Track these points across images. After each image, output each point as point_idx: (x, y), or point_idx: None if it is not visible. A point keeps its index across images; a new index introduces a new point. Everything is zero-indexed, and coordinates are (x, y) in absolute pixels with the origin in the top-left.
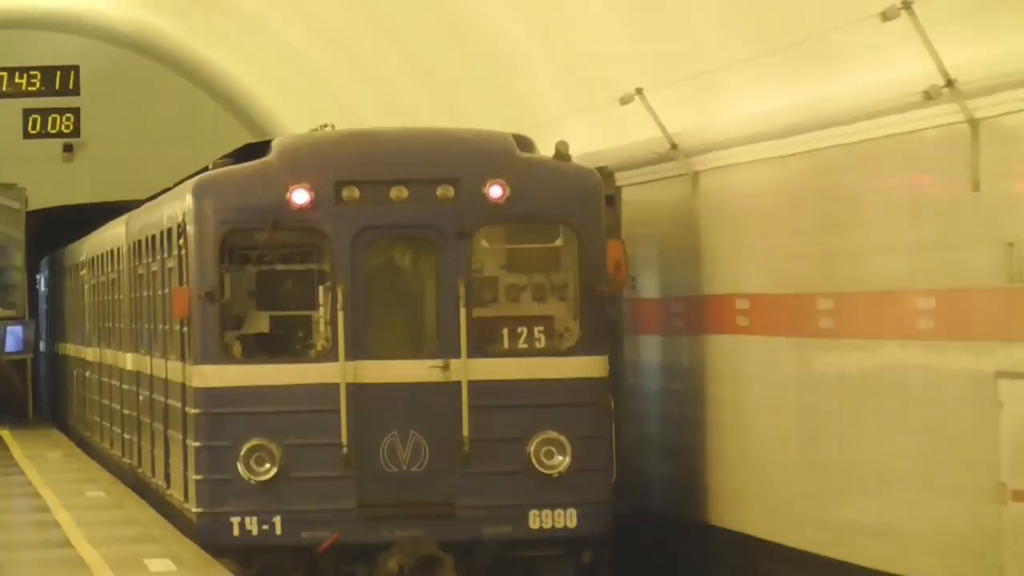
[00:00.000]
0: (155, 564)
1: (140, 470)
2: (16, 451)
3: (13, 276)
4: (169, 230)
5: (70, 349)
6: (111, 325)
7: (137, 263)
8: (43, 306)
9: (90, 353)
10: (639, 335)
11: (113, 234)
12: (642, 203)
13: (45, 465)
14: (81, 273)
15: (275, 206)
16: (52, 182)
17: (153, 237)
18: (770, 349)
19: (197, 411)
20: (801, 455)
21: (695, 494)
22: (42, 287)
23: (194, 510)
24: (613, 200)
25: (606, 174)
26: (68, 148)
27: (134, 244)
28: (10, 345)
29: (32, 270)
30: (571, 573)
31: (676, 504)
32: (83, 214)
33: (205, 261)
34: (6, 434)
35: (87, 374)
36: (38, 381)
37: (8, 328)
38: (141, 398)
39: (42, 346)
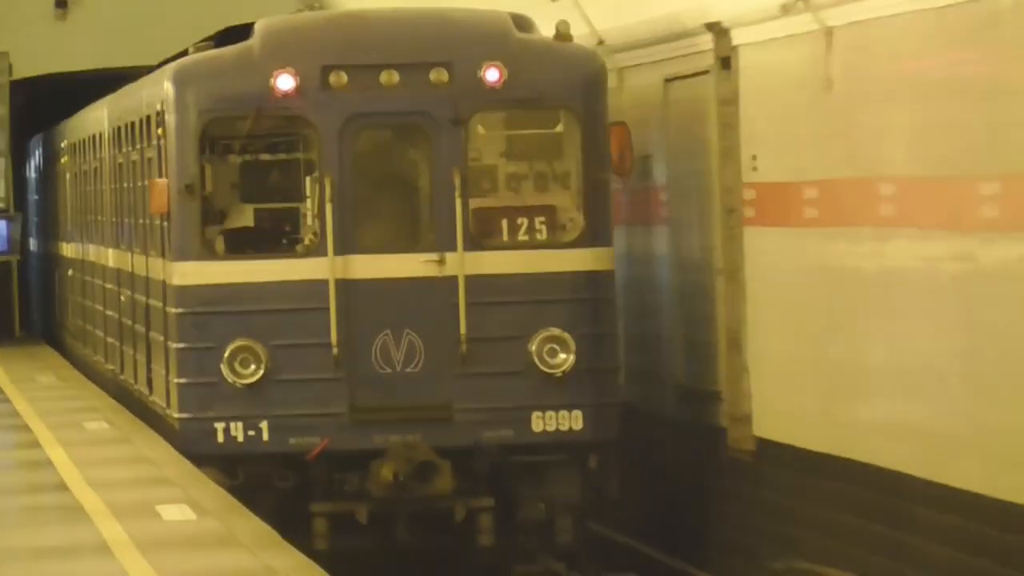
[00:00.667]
0: (169, 511)
1: (122, 377)
2: None
3: None
4: (148, 117)
5: (64, 248)
6: (93, 219)
7: (117, 151)
8: (33, 197)
9: (72, 250)
10: (760, 226)
11: (95, 117)
12: (764, 66)
13: (35, 391)
14: (63, 160)
15: (258, 93)
16: (42, 45)
17: (132, 124)
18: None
19: (177, 311)
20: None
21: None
22: (31, 174)
23: (175, 416)
24: (729, 63)
25: (719, 31)
26: (61, 3)
27: (114, 130)
28: None
29: (19, 154)
30: (578, 479)
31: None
32: (81, 84)
33: (185, 152)
34: None
35: (69, 273)
36: (27, 289)
37: None
38: (122, 298)
39: (33, 245)
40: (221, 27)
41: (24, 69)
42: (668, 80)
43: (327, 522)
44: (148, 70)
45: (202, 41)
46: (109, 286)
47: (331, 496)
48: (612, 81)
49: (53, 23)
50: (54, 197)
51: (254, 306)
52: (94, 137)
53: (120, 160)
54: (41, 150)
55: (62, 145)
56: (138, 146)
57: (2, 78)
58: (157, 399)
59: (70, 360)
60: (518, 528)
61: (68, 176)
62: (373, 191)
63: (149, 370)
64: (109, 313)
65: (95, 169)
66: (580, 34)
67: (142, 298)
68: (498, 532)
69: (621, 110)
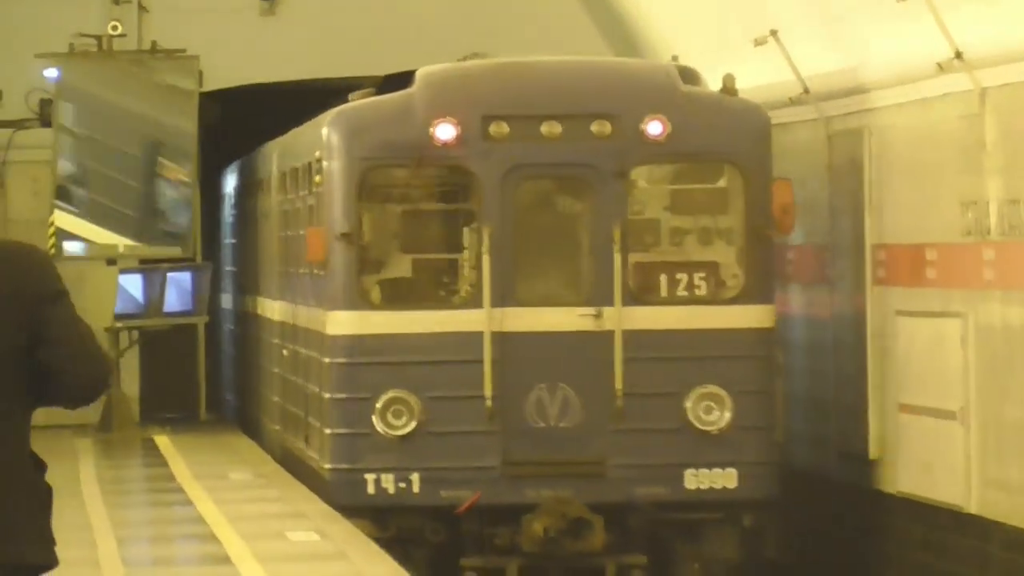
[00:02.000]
0: None
1: (285, 435)
2: (179, 468)
3: (176, 194)
4: (309, 164)
5: (262, 307)
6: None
7: (283, 197)
8: (228, 241)
9: (272, 309)
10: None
11: (308, 141)
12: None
13: (225, 491)
14: (264, 194)
15: (418, 142)
16: (242, 47)
17: (296, 169)
18: None
19: (331, 360)
20: None
21: None
22: (227, 212)
23: (327, 466)
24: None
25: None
26: None
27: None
28: (172, 303)
29: (211, 186)
30: (733, 538)
31: None
32: (289, 97)
33: (342, 200)
34: (164, 441)
35: (271, 340)
36: (217, 358)
37: (169, 276)
38: (285, 352)
39: (227, 302)
40: (446, 45)
41: (218, 78)
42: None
43: None
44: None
45: (363, 88)
46: (276, 341)
47: (482, 551)
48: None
49: (257, 19)
50: (254, 242)
51: (408, 357)
52: (309, 166)
53: (286, 206)
54: (239, 181)
55: (266, 175)
56: (301, 192)
57: (190, 86)
58: (312, 452)
59: (269, 450)
60: None
61: (272, 215)
62: (531, 243)
63: (307, 424)
64: (275, 371)
65: (301, 208)
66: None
67: (303, 350)
68: None
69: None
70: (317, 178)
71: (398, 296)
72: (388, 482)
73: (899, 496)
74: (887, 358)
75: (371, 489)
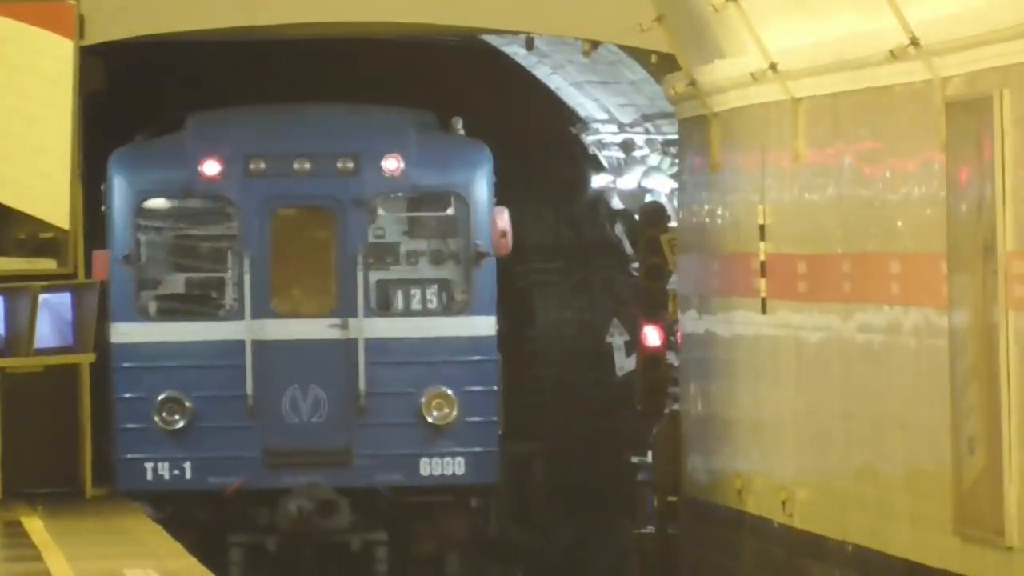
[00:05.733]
0: None
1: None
2: (57, 564)
3: None
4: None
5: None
6: None
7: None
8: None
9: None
10: None
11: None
12: None
13: None
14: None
15: (188, 177)
16: None
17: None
18: None
19: (115, 366)
20: None
21: None
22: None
23: (113, 458)
24: None
25: None
26: None
27: None
28: (45, 335)
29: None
30: (464, 517)
31: None
32: (204, 55)
33: (122, 227)
34: (36, 525)
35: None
36: (107, 406)
37: (42, 299)
38: None
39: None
40: None
41: (105, 29)
42: None
43: (242, 551)
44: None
45: (143, 129)
46: None
47: (245, 529)
48: None
49: None
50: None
51: (181, 362)
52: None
53: None
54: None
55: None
56: None
57: (65, 38)
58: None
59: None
60: (412, 561)
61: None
62: (287, 264)
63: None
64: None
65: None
66: None
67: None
68: (395, 565)
69: None
70: (102, 207)
71: (172, 309)
72: (164, 470)
73: None
74: None
75: (150, 476)
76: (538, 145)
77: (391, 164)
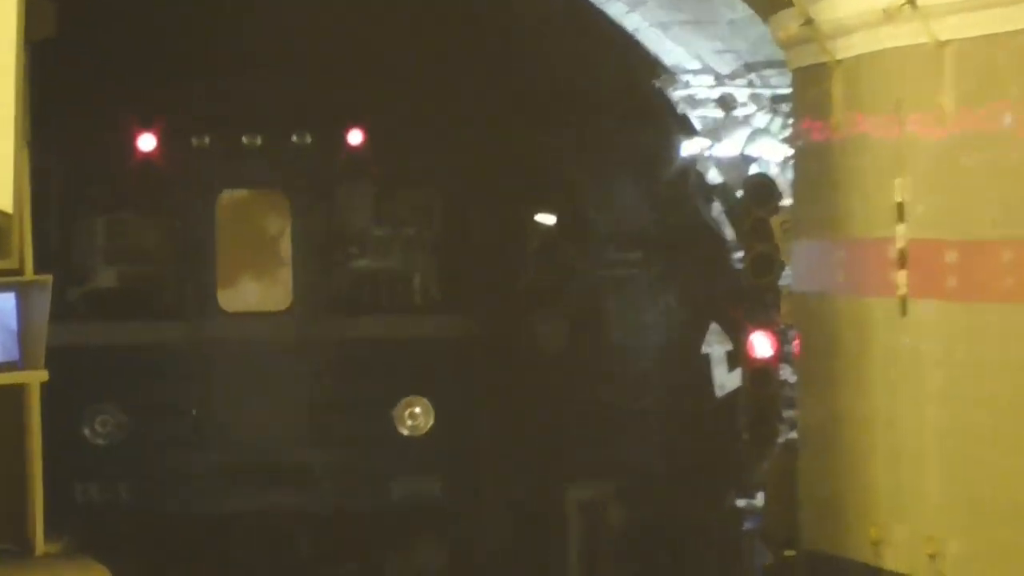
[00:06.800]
0: None
1: None
2: None
3: None
4: None
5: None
6: None
7: None
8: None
9: None
10: None
11: None
12: None
13: None
14: None
15: (122, 153)
16: None
17: None
18: None
19: None
20: None
21: None
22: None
23: None
24: None
25: None
26: None
27: None
28: None
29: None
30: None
31: None
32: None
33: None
34: None
35: None
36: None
37: None
38: None
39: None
40: None
41: None
42: None
43: None
44: None
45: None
46: None
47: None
48: None
49: None
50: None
51: (115, 367)
52: None
53: None
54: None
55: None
56: None
57: None
58: None
59: None
60: None
61: None
62: (237, 255)
63: None
64: None
65: None
66: None
67: None
68: None
69: None
70: None
71: (104, 307)
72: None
73: None
74: None
75: (78, 498)
76: (611, 104)
77: (356, 137)
